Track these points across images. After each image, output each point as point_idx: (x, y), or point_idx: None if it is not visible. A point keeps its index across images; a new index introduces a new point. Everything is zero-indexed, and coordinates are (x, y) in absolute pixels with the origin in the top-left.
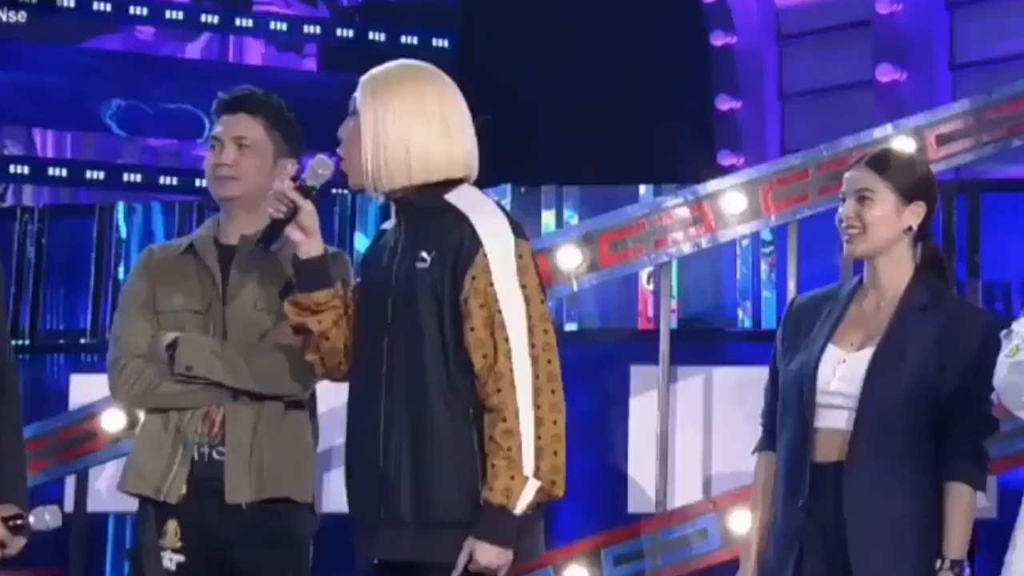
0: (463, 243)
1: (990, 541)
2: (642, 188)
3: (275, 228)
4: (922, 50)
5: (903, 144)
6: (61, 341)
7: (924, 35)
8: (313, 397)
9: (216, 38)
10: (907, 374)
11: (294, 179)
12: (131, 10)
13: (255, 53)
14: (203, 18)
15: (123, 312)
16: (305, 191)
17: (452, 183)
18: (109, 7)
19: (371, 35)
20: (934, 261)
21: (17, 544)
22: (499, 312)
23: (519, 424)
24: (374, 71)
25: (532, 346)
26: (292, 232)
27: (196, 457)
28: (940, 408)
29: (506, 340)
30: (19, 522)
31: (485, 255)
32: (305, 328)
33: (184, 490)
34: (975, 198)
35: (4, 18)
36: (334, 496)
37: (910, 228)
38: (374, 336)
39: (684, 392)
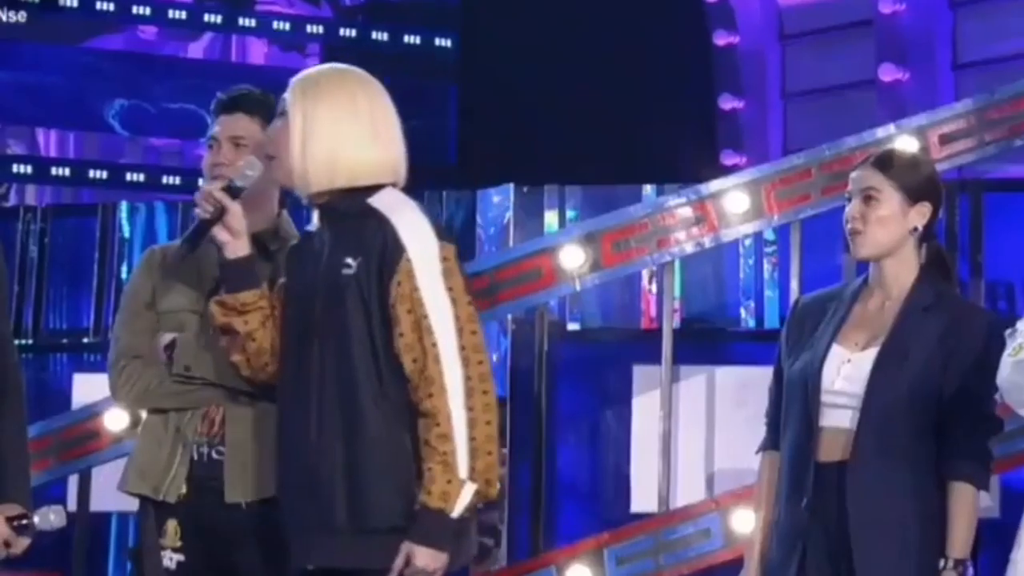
0: (387, 248)
1: (993, 540)
2: (645, 188)
3: (202, 229)
4: (924, 50)
5: (906, 144)
6: (64, 340)
7: (926, 35)
8: None
9: (219, 38)
10: (911, 374)
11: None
12: (134, 10)
13: (258, 53)
14: (206, 18)
15: (124, 312)
16: (232, 192)
17: (376, 186)
18: (112, 7)
19: (374, 35)
20: (939, 261)
21: (21, 544)
22: (425, 316)
23: (453, 427)
24: (305, 73)
25: (461, 348)
26: (219, 233)
27: (195, 457)
28: (943, 407)
29: (434, 344)
30: (23, 522)
31: (409, 259)
32: (231, 329)
33: (184, 489)
34: (978, 198)
35: (7, 18)
36: None
37: (915, 228)
38: (302, 340)
39: (687, 392)
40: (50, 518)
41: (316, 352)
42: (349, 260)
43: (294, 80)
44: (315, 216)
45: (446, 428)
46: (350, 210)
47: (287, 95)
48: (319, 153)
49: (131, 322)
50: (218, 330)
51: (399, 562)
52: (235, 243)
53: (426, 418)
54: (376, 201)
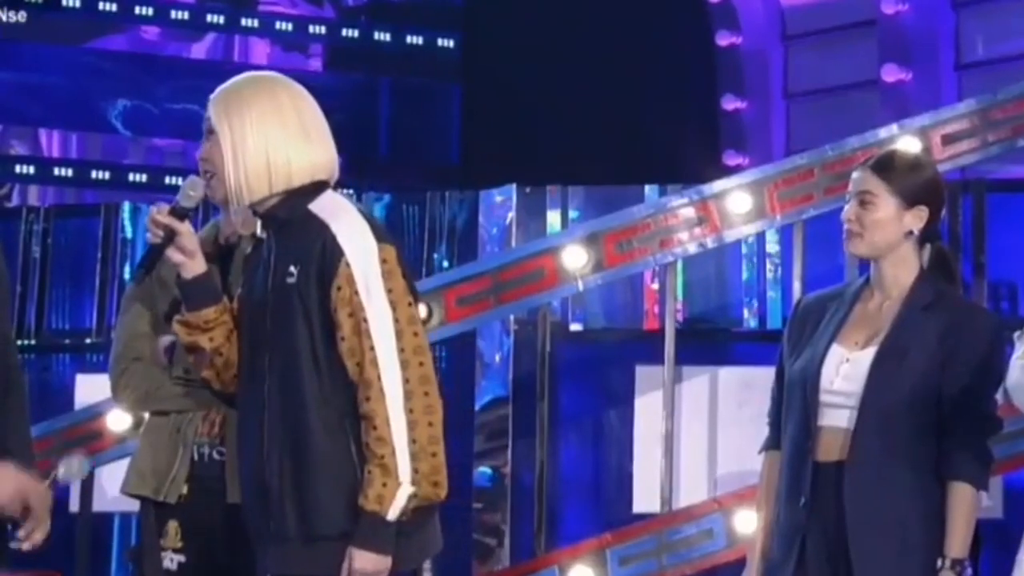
0: (325, 253)
1: (995, 540)
2: (647, 188)
3: (155, 254)
4: (927, 50)
5: (908, 144)
6: (67, 341)
7: (929, 35)
8: None
9: (221, 38)
10: (909, 374)
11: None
12: (136, 10)
13: (260, 53)
14: (208, 18)
15: (125, 314)
16: (180, 213)
17: (315, 190)
18: (115, 7)
19: (376, 35)
20: (942, 262)
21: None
22: (365, 320)
23: (390, 430)
24: (224, 87)
25: (401, 351)
26: (173, 254)
27: (196, 457)
28: (943, 407)
29: (372, 348)
30: (48, 477)
31: (348, 264)
32: (198, 347)
33: (184, 490)
34: (980, 198)
35: (9, 18)
36: None
37: (911, 232)
38: (253, 350)
39: (689, 392)
40: (73, 465)
41: (265, 362)
42: (292, 269)
43: (214, 97)
44: (262, 227)
45: (383, 431)
46: (291, 216)
47: (210, 112)
48: (252, 161)
49: (132, 324)
50: (184, 349)
51: (345, 566)
52: (190, 263)
53: (365, 421)
54: (316, 207)
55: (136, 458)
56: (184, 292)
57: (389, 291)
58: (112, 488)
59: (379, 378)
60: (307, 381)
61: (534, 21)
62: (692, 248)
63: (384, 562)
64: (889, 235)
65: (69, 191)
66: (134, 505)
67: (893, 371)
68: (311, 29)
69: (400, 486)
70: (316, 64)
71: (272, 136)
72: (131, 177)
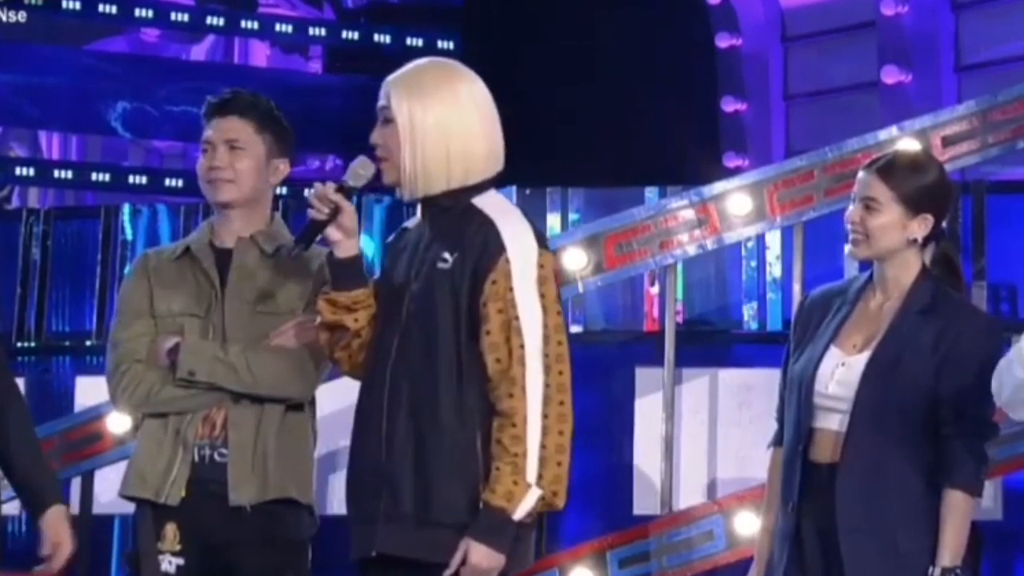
0: (487, 246)
1: (995, 543)
2: (647, 190)
3: (315, 229)
4: (927, 51)
5: (909, 146)
6: (67, 343)
7: (929, 36)
8: (312, 399)
9: (221, 40)
10: (902, 379)
11: (335, 180)
12: (136, 12)
13: (260, 55)
14: (208, 20)
15: (121, 317)
16: (346, 192)
17: (481, 185)
18: (114, 9)
19: (376, 37)
20: (945, 260)
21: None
22: (516, 318)
23: (527, 431)
24: (403, 73)
25: (546, 355)
26: (332, 232)
27: (197, 459)
28: (938, 412)
29: (521, 346)
30: None
31: (508, 260)
32: (340, 326)
33: (184, 492)
34: (980, 200)
35: (9, 19)
36: (334, 498)
37: (915, 240)
38: (386, 331)
39: (689, 394)
40: None
41: (398, 342)
42: (446, 255)
43: (393, 81)
44: (418, 211)
45: (521, 430)
46: (454, 208)
47: (390, 98)
48: (431, 153)
49: (129, 327)
50: (323, 327)
51: (457, 557)
52: (347, 242)
53: (502, 418)
54: (481, 202)
55: (135, 460)
56: (336, 271)
57: (542, 295)
58: (112, 490)
59: (523, 377)
60: (444, 368)
61: (534, 23)
62: (692, 250)
63: (499, 560)
64: (892, 241)
65: (69, 193)
66: (134, 507)
67: (886, 378)
68: (311, 31)
69: (530, 487)
70: (316, 66)
71: (453, 130)
72: (131, 179)
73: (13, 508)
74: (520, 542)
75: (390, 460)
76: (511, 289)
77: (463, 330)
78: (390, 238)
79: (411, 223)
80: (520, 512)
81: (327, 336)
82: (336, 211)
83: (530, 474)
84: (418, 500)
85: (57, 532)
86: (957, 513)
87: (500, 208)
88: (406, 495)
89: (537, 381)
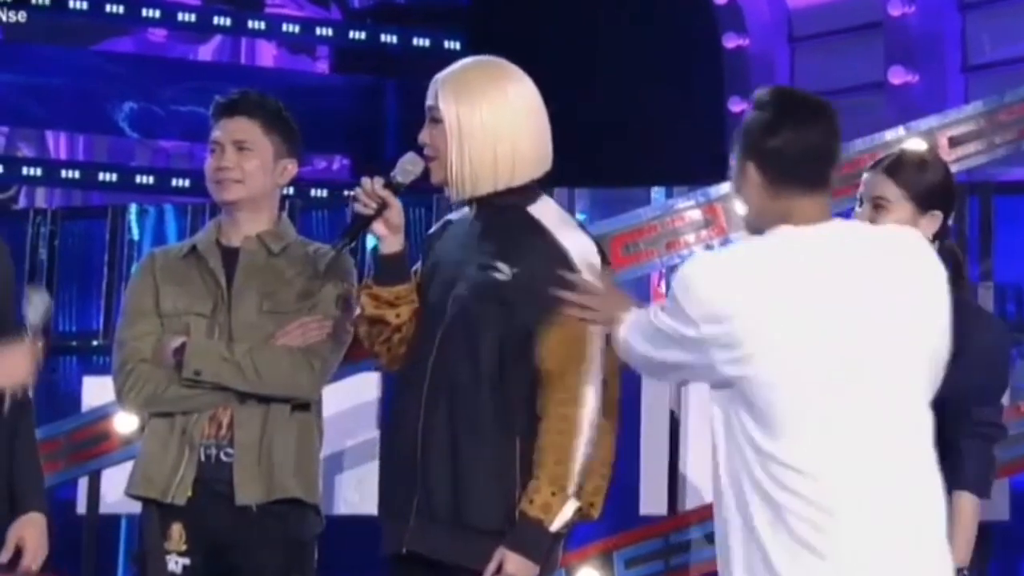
0: (551, 262)
1: (1003, 544)
2: (653, 190)
3: (361, 224)
4: (934, 52)
5: (915, 147)
6: (74, 343)
7: (936, 37)
8: (318, 398)
9: (228, 40)
10: None
11: (383, 176)
12: (143, 12)
13: (267, 55)
14: (215, 20)
15: (127, 317)
16: (394, 188)
17: (532, 188)
18: (121, 9)
19: (382, 37)
20: (950, 260)
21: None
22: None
23: (575, 441)
24: (452, 72)
25: (603, 368)
26: (379, 228)
27: (203, 459)
28: (945, 414)
29: (583, 358)
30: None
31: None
32: (381, 320)
33: (190, 492)
34: (987, 200)
35: (17, 20)
36: (340, 499)
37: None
38: (428, 327)
39: (696, 394)
40: (36, 304)
41: (440, 340)
42: (501, 265)
43: (441, 79)
44: (470, 209)
45: (568, 440)
46: (507, 211)
47: (439, 97)
48: (478, 154)
49: (135, 326)
50: (364, 320)
51: (492, 566)
52: (392, 238)
53: (550, 421)
54: (537, 210)
55: (141, 460)
56: (381, 266)
57: None
58: (118, 490)
59: (578, 387)
60: (484, 373)
61: (540, 23)
62: (699, 250)
63: (533, 570)
64: None
65: (76, 193)
66: (140, 507)
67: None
68: (318, 31)
69: (569, 499)
70: (322, 66)
71: (501, 131)
72: (138, 179)
73: None
74: (551, 551)
75: (425, 460)
76: None
77: (516, 336)
78: (432, 229)
79: (455, 216)
80: (557, 524)
81: (366, 330)
82: (383, 207)
83: (570, 485)
84: (452, 503)
85: (31, 538)
86: (965, 515)
87: (559, 219)
88: (440, 497)
89: (593, 393)
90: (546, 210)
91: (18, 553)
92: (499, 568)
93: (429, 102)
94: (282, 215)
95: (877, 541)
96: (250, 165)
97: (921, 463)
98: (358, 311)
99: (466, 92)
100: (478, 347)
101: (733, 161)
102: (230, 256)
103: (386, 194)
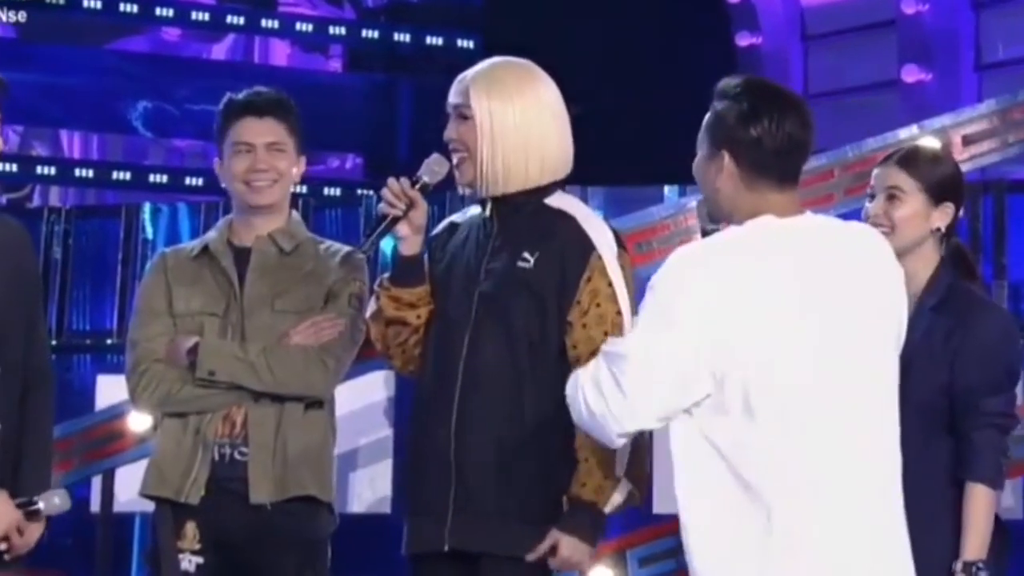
0: (574, 245)
1: (1017, 541)
2: (666, 188)
3: (390, 224)
4: (947, 50)
5: (930, 143)
6: (88, 341)
7: (949, 35)
8: (332, 397)
9: (241, 39)
10: (917, 376)
11: (409, 177)
12: (157, 11)
13: (280, 54)
14: (228, 19)
15: (139, 317)
16: (423, 189)
17: (551, 186)
18: (135, 8)
19: (396, 36)
20: (959, 258)
21: (33, 533)
22: (619, 313)
23: None
24: (482, 71)
25: None
26: (403, 228)
27: (217, 458)
28: (954, 406)
29: None
30: (32, 508)
31: (600, 257)
32: (401, 321)
33: (204, 491)
34: (1000, 199)
35: (31, 20)
36: (353, 497)
37: (938, 229)
38: (451, 329)
39: None
40: (55, 502)
41: (470, 339)
42: (526, 255)
43: (472, 78)
44: (483, 209)
45: None
46: (525, 207)
47: (470, 96)
48: (511, 153)
49: (148, 326)
50: (381, 321)
51: (544, 546)
52: (414, 239)
53: None
54: (555, 201)
55: (155, 460)
56: (402, 267)
57: (627, 291)
58: (132, 489)
59: None
60: (522, 365)
61: (554, 21)
62: None
63: (589, 552)
64: (917, 232)
65: (90, 192)
66: (153, 506)
67: (902, 376)
68: (331, 30)
69: (620, 482)
70: (336, 65)
71: (532, 130)
72: (152, 178)
73: None
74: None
75: (461, 456)
76: (610, 284)
77: (549, 326)
78: (436, 231)
79: (459, 217)
80: (610, 506)
81: (382, 331)
82: (410, 207)
83: (618, 468)
84: (496, 495)
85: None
86: (979, 506)
87: (576, 206)
88: (483, 491)
89: None
90: (562, 199)
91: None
92: (553, 552)
93: (456, 100)
94: (292, 213)
95: (834, 533)
96: (283, 166)
97: (888, 457)
98: (371, 310)
99: (499, 90)
100: (515, 340)
101: (701, 151)
102: (242, 256)
103: (414, 194)
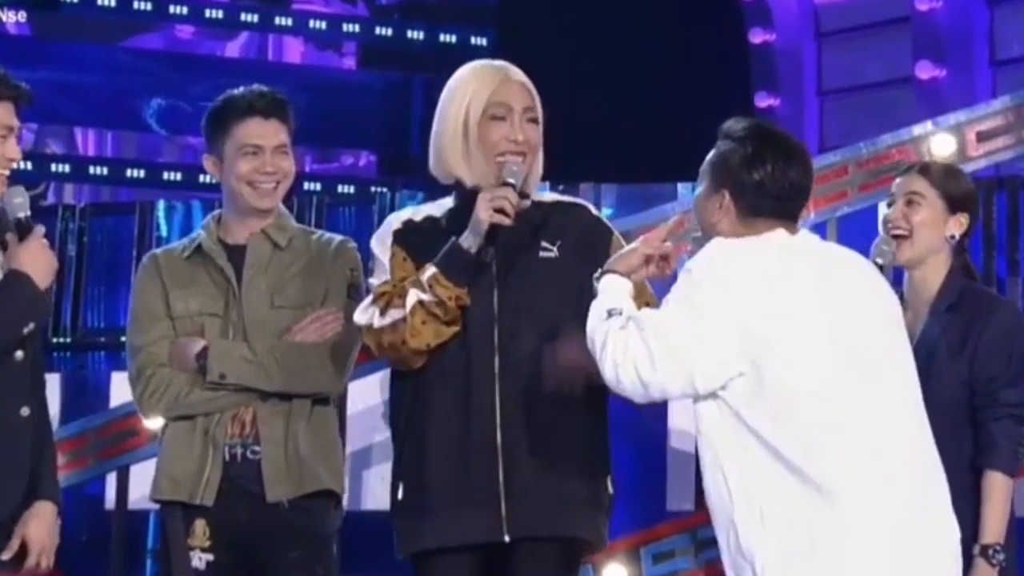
0: (592, 229)
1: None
2: (680, 186)
3: (496, 233)
4: (962, 47)
5: (943, 141)
6: (102, 339)
7: (964, 31)
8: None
9: (255, 37)
10: (939, 377)
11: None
12: (171, 9)
13: (294, 51)
14: (242, 17)
15: (139, 322)
16: (520, 195)
17: None
18: (149, 6)
19: (409, 34)
20: (966, 269)
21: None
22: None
23: None
24: (520, 73)
25: None
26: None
27: (228, 458)
28: (973, 398)
29: None
30: None
31: (618, 238)
32: (455, 322)
33: (216, 492)
34: (1015, 195)
35: (45, 18)
36: (367, 494)
37: (952, 237)
38: (475, 324)
39: None
40: (14, 201)
41: (499, 333)
42: (546, 244)
43: (525, 81)
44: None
45: None
46: (541, 200)
47: (534, 98)
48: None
49: (148, 331)
50: (421, 313)
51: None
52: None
53: None
54: (549, 194)
55: (165, 464)
56: (472, 272)
57: None
58: (147, 486)
59: None
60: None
61: (568, 19)
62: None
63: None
64: (934, 238)
65: (104, 189)
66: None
67: (923, 378)
68: (344, 27)
69: None
70: (349, 63)
71: None
72: (166, 176)
73: None
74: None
75: (510, 448)
76: None
77: (581, 312)
78: (402, 223)
79: (435, 211)
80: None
81: (417, 328)
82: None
83: None
84: (551, 480)
85: (36, 533)
86: (996, 493)
87: (570, 196)
88: (540, 478)
89: None
90: (548, 195)
91: (24, 548)
92: None
93: (528, 102)
94: (279, 205)
95: (884, 526)
96: (287, 167)
97: (926, 448)
98: (418, 299)
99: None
100: (545, 329)
101: (703, 186)
102: (236, 253)
103: (518, 202)
